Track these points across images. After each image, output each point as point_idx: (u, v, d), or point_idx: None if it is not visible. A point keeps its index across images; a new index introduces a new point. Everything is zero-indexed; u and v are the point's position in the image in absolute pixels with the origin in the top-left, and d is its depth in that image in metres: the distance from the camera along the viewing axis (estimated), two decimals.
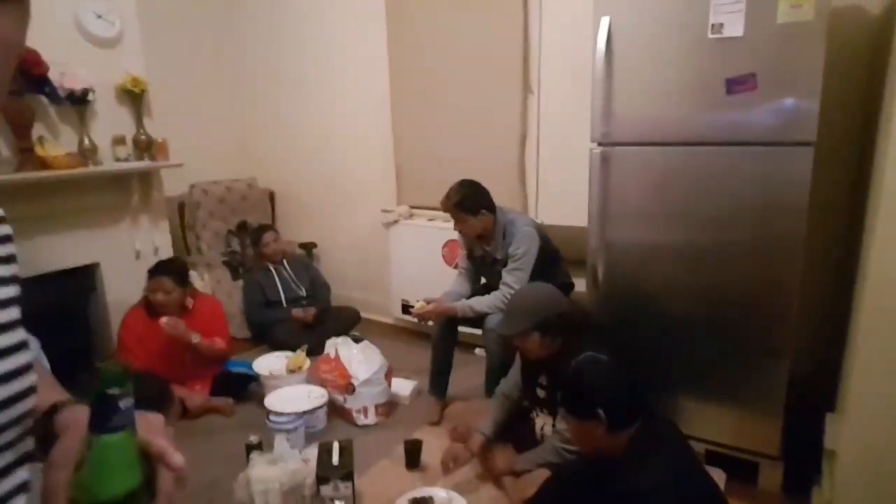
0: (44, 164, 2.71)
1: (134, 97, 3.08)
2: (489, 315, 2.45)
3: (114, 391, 0.48)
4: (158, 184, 3.32)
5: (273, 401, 2.48)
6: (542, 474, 1.88)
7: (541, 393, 2.10)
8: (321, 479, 1.88)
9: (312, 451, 2.13)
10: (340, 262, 4.21)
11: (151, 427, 0.54)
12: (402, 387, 2.85)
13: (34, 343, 2.48)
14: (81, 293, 3.16)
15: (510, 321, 2.00)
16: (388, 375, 2.73)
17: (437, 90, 3.39)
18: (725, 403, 2.11)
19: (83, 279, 3.12)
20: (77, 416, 0.56)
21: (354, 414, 2.59)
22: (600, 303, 2.26)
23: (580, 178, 2.29)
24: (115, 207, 3.15)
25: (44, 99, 2.73)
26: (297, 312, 3.50)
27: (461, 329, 2.68)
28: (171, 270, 2.75)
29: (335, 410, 2.66)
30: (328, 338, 2.91)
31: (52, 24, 2.75)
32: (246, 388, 2.86)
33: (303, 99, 4.13)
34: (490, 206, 2.56)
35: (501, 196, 3.19)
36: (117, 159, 3.04)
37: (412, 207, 3.62)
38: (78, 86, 2.78)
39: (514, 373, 2.23)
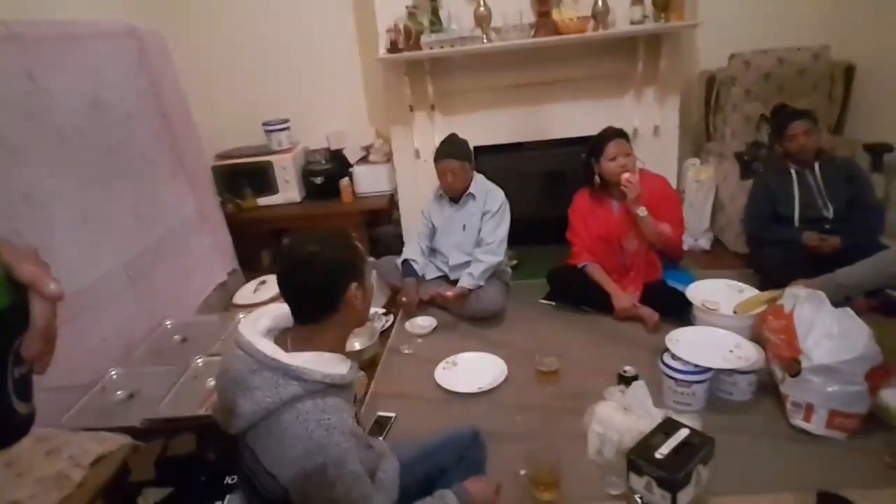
0: (556, 29, 2.73)
1: None
2: None
3: None
4: (670, 52, 2.84)
5: (678, 337, 1.92)
6: None
7: None
8: (632, 464, 1.34)
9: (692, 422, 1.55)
10: None
11: (21, 253, 0.46)
12: None
13: None
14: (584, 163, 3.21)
15: None
16: (877, 376, 1.64)
17: None
18: None
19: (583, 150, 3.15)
20: None
21: (789, 407, 1.71)
22: None
23: None
24: (621, 77, 2.93)
25: None
26: (810, 237, 2.49)
27: None
28: (623, 133, 2.50)
29: (771, 387, 1.84)
30: None
31: None
32: (682, 310, 2.33)
33: None
34: None
35: None
36: (632, 22, 2.74)
37: None
38: None
39: None
